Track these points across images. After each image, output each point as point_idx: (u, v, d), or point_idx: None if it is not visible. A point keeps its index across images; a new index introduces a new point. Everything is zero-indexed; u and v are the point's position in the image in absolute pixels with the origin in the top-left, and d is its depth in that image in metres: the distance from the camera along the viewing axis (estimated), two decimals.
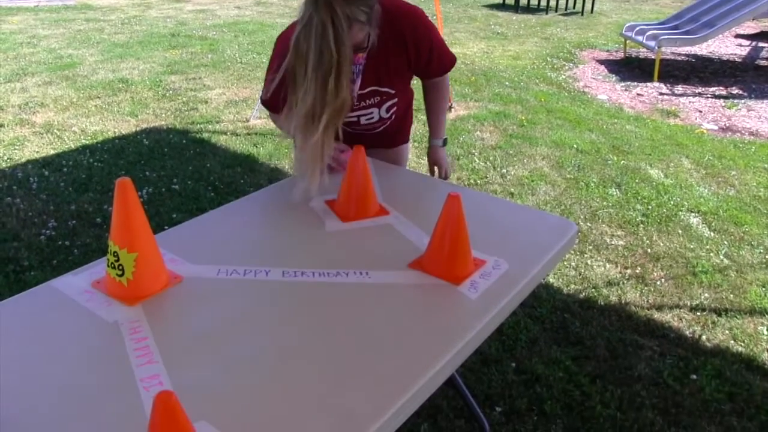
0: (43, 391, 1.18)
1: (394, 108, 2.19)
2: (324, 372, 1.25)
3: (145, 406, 1.14)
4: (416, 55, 2.06)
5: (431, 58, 2.11)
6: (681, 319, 2.92)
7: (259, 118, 5.38)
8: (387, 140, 2.33)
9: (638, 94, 6.67)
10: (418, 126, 5.32)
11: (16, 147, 4.64)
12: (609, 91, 6.77)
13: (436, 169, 2.43)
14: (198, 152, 4.61)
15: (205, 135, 4.98)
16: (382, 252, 1.71)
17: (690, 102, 6.43)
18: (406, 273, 1.59)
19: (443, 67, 2.19)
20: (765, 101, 6.43)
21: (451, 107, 5.72)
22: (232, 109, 5.65)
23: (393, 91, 2.13)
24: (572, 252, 3.40)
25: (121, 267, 1.46)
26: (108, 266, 1.49)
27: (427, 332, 1.39)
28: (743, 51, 8.91)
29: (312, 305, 1.47)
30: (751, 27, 10.39)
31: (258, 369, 1.25)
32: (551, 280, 3.15)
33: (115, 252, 1.46)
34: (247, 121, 5.33)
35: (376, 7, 1.84)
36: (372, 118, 2.17)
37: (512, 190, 4.15)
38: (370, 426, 1.12)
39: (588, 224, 3.74)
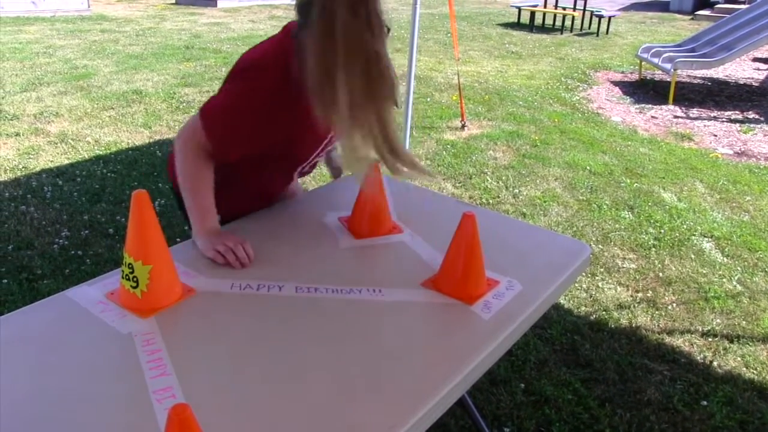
0: (57, 401, 1.18)
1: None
2: (336, 388, 1.24)
3: (158, 418, 1.14)
4: None
5: None
6: (692, 345, 2.90)
7: None
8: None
9: (653, 117, 6.67)
10: (431, 144, 5.33)
11: (31, 156, 4.68)
12: (623, 113, 6.77)
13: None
14: None
15: None
16: (396, 270, 1.71)
17: (705, 126, 6.42)
18: (420, 291, 1.59)
19: None
20: None
21: (464, 125, 5.73)
22: None
23: None
24: (583, 274, 3.39)
25: (135, 279, 1.47)
26: (122, 278, 1.50)
27: (440, 352, 1.38)
28: (761, 75, 8.89)
29: (325, 321, 1.47)
30: None
31: (269, 383, 1.25)
32: (562, 302, 3.13)
33: (130, 264, 1.47)
34: None
35: None
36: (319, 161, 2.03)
37: (524, 210, 4.14)
38: None
39: (600, 246, 3.73)
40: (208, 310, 1.49)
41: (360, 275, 1.67)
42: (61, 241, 3.49)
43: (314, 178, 4.37)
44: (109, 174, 4.39)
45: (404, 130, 4.68)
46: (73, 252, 3.39)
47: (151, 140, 5.12)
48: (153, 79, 7.04)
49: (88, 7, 11.89)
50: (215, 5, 13.39)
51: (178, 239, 3.04)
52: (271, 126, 1.67)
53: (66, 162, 4.59)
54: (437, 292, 1.59)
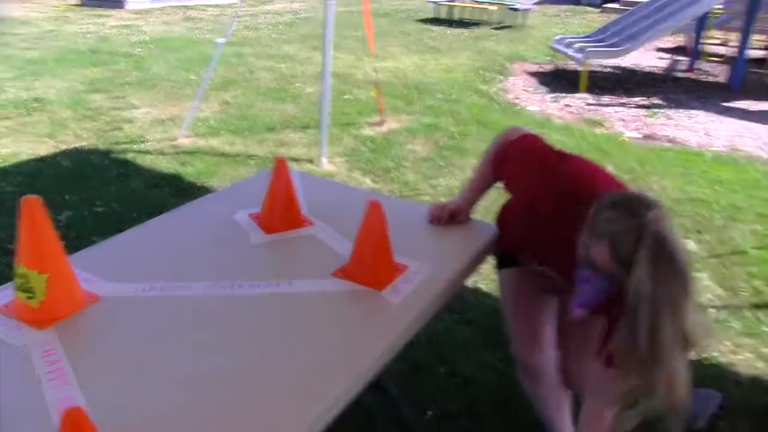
0: None
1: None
2: (247, 382, 1.23)
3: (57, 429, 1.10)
4: None
5: None
6: None
7: (187, 137, 5.28)
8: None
9: (566, 105, 6.86)
10: (349, 140, 5.32)
11: None
12: (538, 102, 6.94)
13: None
14: (122, 173, 4.49)
15: (130, 155, 4.86)
16: (306, 262, 1.70)
17: (615, 112, 6.65)
18: (330, 281, 1.59)
19: None
20: (681, 110, 6.73)
21: (383, 120, 5.75)
22: (159, 128, 5.54)
23: None
24: None
25: (31, 289, 1.41)
26: (17, 289, 1.43)
27: (351, 338, 1.39)
28: (663, 63, 9.31)
29: (235, 317, 1.45)
30: (670, 41, 10.85)
31: (177, 384, 1.22)
32: (481, 285, 3.18)
33: (23, 274, 1.40)
34: (175, 140, 5.23)
35: None
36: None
37: (443, 199, 4.14)
38: (295, 427, 1.11)
39: None
40: (112, 316, 1.45)
41: (271, 269, 1.66)
42: None
43: (232, 178, 4.30)
44: (8, 187, 4.17)
45: (321, 128, 4.67)
46: None
47: (57, 150, 4.91)
48: (56, 85, 6.74)
49: None
50: (123, 7, 12.96)
51: None
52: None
53: None
54: (348, 280, 1.59)
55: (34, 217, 1.39)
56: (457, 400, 2.43)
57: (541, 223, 1.58)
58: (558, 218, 1.50)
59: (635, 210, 1.37)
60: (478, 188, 1.99)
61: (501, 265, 1.97)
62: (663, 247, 1.32)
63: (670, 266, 1.32)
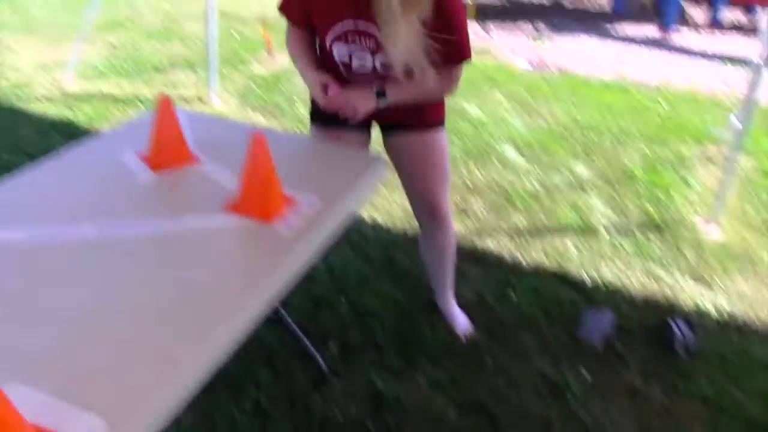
0: None
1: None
2: (141, 321, 1.25)
3: None
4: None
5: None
6: (500, 244, 3.14)
7: (75, 82, 5.04)
8: (408, 116, 2.15)
9: None
10: (241, 79, 5.20)
11: None
12: None
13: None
14: (9, 122, 4.27)
15: (16, 103, 4.61)
16: (196, 199, 1.71)
17: (504, 41, 6.79)
18: (220, 217, 1.61)
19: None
20: (567, 37, 6.95)
21: (272, 57, 5.64)
22: (44, 74, 5.25)
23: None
24: (396, 190, 3.49)
25: None
26: None
27: (242, 272, 1.43)
28: None
29: (126, 257, 1.45)
30: None
31: (74, 325, 1.23)
32: (379, 220, 3.26)
33: None
34: (62, 85, 4.99)
35: None
36: (364, 62, 1.96)
37: None
38: (189, 364, 1.15)
39: None
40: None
41: (160, 208, 1.66)
42: None
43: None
44: None
45: (209, 67, 4.56)
46: None
47: None
48: None
49: None
50: None
51: None
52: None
53: None
54: (237, 214, 1.61)
55: None
56: (360, 331, 2.53)
57: None
58: None
59: None
60: (312, 61, 2.09)
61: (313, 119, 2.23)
62: None
63: None
